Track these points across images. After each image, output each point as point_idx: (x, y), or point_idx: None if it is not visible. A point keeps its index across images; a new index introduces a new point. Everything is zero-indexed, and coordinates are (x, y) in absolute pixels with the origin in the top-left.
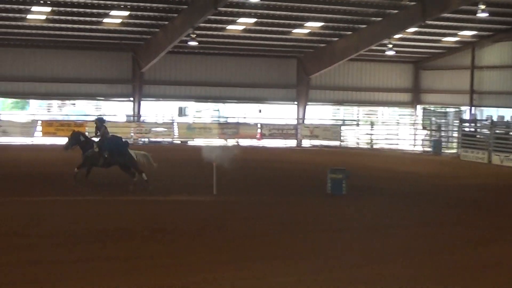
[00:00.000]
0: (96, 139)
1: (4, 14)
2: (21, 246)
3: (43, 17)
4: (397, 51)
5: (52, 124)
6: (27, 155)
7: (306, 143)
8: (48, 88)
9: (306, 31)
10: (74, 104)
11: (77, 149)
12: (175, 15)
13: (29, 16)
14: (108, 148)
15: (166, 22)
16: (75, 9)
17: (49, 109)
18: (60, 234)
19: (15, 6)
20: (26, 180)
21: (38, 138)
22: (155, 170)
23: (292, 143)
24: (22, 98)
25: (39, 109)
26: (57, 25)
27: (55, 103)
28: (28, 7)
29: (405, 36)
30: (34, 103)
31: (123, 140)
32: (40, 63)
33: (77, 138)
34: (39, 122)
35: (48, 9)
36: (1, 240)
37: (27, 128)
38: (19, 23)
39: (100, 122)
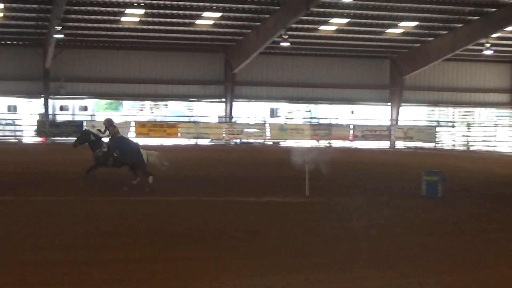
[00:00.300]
0: (106, 139)
1: (99, 17)
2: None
3: (137, 19)
4: (495, 51)
5: (145, 125)
6: None
7: (399, 144)
8: (141, 89)
9: (399, 31)
10: (166, 105)
11: (87, 148)
12: (267, 16)
13: (123, 19)
14: (118, 147)
15: (258, 23)
16: (168, 11)
17: (141, 110)
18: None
19: (109, 9)
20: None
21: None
22: (165, 170)
23: (385, 144)
24: (115, 99)
25: (131, 110)
26: (150, 27)
27: (147, 104)
28: (122, 9)
29: (503, 35)
30: (127, 104)
31: (133, 141)
32: (133, 64)
33: (87, 136)
34: (132, 123)
35: (142, 11)
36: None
37: (121, 128)
38: (113, 26)
39: (108, 123)
